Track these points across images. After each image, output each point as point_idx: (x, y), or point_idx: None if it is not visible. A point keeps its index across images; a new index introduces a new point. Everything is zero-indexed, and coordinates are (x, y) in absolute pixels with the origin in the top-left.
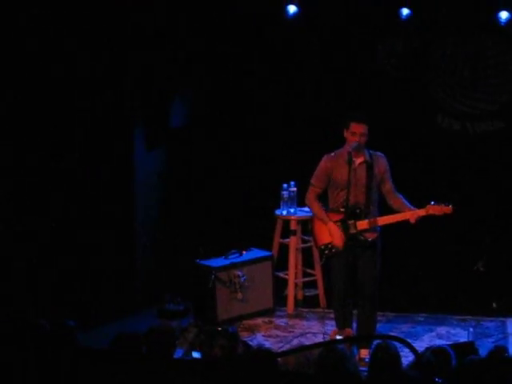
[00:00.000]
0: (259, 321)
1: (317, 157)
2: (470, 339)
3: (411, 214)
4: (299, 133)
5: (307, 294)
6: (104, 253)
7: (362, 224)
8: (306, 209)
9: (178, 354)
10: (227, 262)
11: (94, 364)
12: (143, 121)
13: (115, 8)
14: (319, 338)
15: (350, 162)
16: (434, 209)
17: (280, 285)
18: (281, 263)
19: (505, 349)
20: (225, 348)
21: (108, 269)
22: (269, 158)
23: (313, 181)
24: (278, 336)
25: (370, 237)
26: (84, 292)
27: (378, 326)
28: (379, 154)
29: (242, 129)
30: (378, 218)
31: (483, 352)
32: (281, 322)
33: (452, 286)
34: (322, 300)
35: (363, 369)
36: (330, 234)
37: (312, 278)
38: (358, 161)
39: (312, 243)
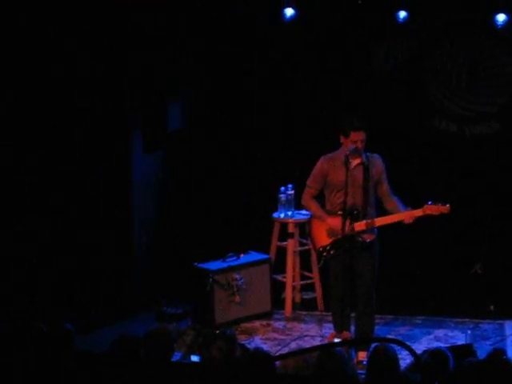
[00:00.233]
0: (257, 324)
1: (314, 159)
2: (468, 342)
3: (408, 214)
4: (297, 135)
5: (305, 296)
6: (102, 255)
7: (360, 225)
8: (304, 211)
9: (176, 357)
10: (225, 264)
11: (93, 367)
12: (141, 123)
13: (115, 8)
14: (317, 341)
15: (346, 164)
16: (431, 208)
17: (278, 288)
18: (278, 266)
19: (503, 351)
20: (223, 351)
21: (106, 271)
22: (266, 161)
23: (309, 182)
24: (275, 339)
25: (368, 238)
26: (82, 295)
27: (375, 328)
28: (376, 155)
29: (241, 131)
30: (375, 219)
31: (481, 354)
32: (279, 324)
33: (450, 288)
34: (320, 303)
35: (361, 372)
36: (330, 226)
37: (310, 281)
38: (355, 162)
39: (309, 246)
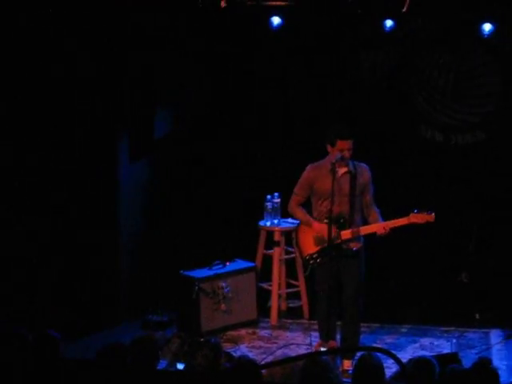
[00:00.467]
0: (243, 332)
1: (301, 168)
2: (454, 350)
3: (393, 223)
4: (283, 144)
5: (291, 305)
6: (87, 264)
7: (346, 234)
8: (290, 220)
9: (162, 365)
10: (211, 272)
11: (78, 375)
12: (128, 131)
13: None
14: (303, 350)
15: (333, 172)
16: (416, 217)
17: (264, 296)
18: (264, 274)
19: (489, 360)
20: (208, 359)
21: (91, 279)
22: (253, 169)
23: (296, 189)
24: (261, 347)
25: (354, 246)
26: (67, 303)
27: (361, 337)
28: (363, 165)
29: (228, 139)
30: (361, 228)
31: (467, 363)
32: (264, 333)
33: (435, 297)
34: (306, 311)
35: (346, 380)
36: (316, 231)
37: (296, 289)
38: (342, 171)
39: (296, 254)
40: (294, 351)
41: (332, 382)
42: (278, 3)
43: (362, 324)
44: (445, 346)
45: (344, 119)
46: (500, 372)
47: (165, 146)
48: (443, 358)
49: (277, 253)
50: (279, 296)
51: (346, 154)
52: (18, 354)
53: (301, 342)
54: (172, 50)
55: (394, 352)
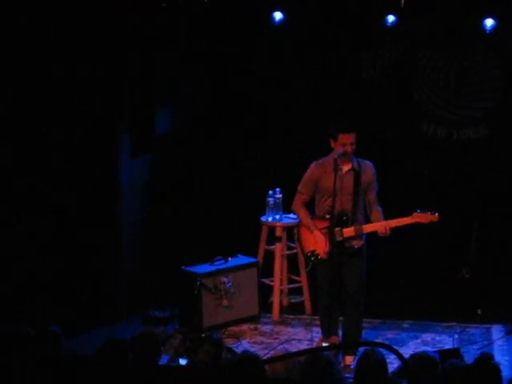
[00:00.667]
0: (244, 327)
1: (303, 163)
2: (455, 346)
3: (396, 222)
4: (285, 140)
5: (293, 300)
6: (89, 260)
7: (349, 231)
8: (292, 215)
9: (164, 360)
10: (213, 268)
11: (80, 371)
12: (128, 129)
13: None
14: (304, 345)
15: (335, 170)
16: (420, 217)
17: (265, 291)
18: (266, 270)
19: (491, 356)
20: (210, 354)
21: (93, 275)
22: (255, 165)
23: (300, 188)
24: (263, 343)
25: (356, 244)
26: (69, 299)
27: (363, 332)
28: (368, 162)
29: (230, 136)
30: (364, 226)
31: (468, 359)
32: (266, 328)
33: (437, 292)
34: (308, 307)
35: (349, 376)
36: (315, 241)
37: (297, 285)
38: (346, 168)
39: (297, 250)
40: (295, 347)
41: (334, 377)
42: None
43: (363, 319)
44: (447, 342)
45: (345, 113)
46: (502, 367)
47: (165, 143)
48: (445, 354)
49: (278, 248)
50: (281, 291)
51: (349, 148)
52: (21, 350)
53: (302, 337)
54: (172, 50)
55: (395, 347)
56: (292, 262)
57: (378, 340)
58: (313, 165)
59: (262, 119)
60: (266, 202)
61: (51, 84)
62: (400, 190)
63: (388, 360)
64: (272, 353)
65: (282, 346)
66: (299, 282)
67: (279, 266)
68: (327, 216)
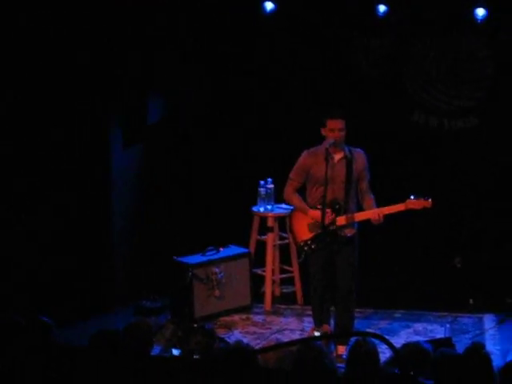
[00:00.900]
0: (236, 317)
1: (294, 154)
2: (447, 335)
3: (389, 209)
4: (276, 130)
5: (284, 290)
6: (81, 252)
7: (341, 220)
8: (284, 205)
9: (156, 350)
10: (204, 258)
11: (72, 361)
12: (120, 118)
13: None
14: (296, 335)
15: (327, 159)
16: (413, 203)
17: (257, 281)
18: (258, 260)
19: (482, 345)
20: (201, 345)
21: (85, 265)
22: (246, 155)
23: (291, 175)
24: (255, 333)
25: (349, 233)
26: (61, 289)
27: (355, 322)
28: (359, 150)
29: (221, 126)
30: (356, 214)
31: (460, 348)
32: (258, 318)
33: (429, 282)
34: (300, 297)
35: (340, 365)
36: (312, 217)
37: (289, 275)
38: (338, 157)
39: (289, 240)
40: (287, 337)
41: (326, 367)
42: None
43: (355, 309)
44: (438, 331)
45: (333, 100)
46: (493, 357)
47: (158, 133)
48: (437, 343)
49: (270, 238)
50: (273, 282)
51: (337, 134)
52: (10, 340)
53: (294, 327)
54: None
55: (387, 337)
56: (284, 252)
57: (369, 330)
58: (305, 153)
59: (259, 114)
60: (258, 193)
61: (49, 81)
62: (392, 178)
63: (380, 350)
64: (264, 343)
65: (273, 336)
66: (291, 271)
67: (271, 256)
68: (319, 206)
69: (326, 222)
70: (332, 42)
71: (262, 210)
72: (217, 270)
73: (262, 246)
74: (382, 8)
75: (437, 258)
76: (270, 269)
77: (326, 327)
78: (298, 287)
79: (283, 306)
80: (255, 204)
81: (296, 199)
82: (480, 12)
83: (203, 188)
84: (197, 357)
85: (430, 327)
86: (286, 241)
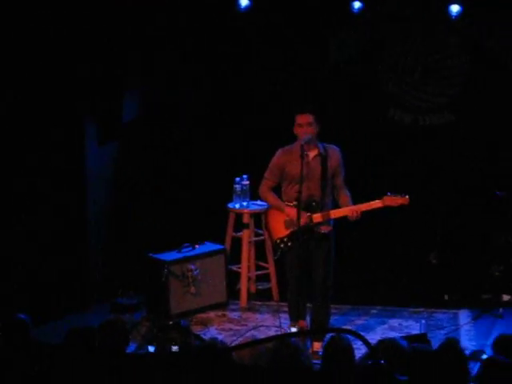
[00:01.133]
0: (212, 314)
1: (269, 150)
2: (423, 331)
3: (366, 206)
4: (251, 126)
5: (260, 287)
6: (56, 247)
7: (317, 217)
8: (259, 202)
9: (131, 348)
10: (180, 255)
11: (47, 358)
12: (96, 115)
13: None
14: (272, 331)
15: (302, 156)
16: (390, 200)
17: (233, 278)
18: (234, 257)
19: (456, 340)
20: (177, 342)
21: (60, 264)
22: (221, 152)
23: (266, 174)
24: (231, 329)
25: (325, 230)
26: (36, 287)
27: (331, 318)
28: (334, 147)
29: (196, 123)
30: (332, 211)
31: (436, 344)
32: (234, 315)
33: (405, 278)
34: (275, 293)
35: (316, 362)
36: (288, 215)
37: (265, 272)
38: (312, 154)
39: (265, 236)
40: (263, 333)
41: (302, 363)
42: None
43: (332, 306)
44: (414, 327)
45: (302, 95)
46: (468, 352)
47: (133, 130)
48: (412, 339)
49: (246, 235)
50: (248, 278)
51: (306, 129)
52: None
53: (270, 323)
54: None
55: (363, 333)
56: (259, 249)
57: (346, 326)
58: (279, 151)
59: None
60: (233, 189)
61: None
62: (367, 174)
63: (355, 346)
64: (240, 339)
65: (249, 333)
66: (267, 268)
67: (246, 252)
68: (294, 203)
69: (302, 223)
70: (307, 39)
71: (237, 206)
72: (192, 266)
73: (237, 243)
74: (357, 4)
75: (413, 255)
76: (246, 265)
77: (302, 323)
78: (273, 284)
79: (259, 303)
80: (231, 201)
81: (271, 197)
82: (454, 8)
83: (179, 185)
84: (172, 353)
85: (405, 323)
86: (262, 237)
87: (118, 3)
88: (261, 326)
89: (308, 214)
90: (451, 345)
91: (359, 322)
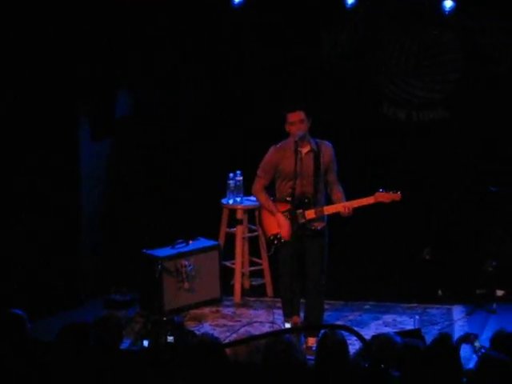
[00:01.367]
0: (206, 310)
1: (262, 146)
2: (416, 327)
3: (358, 202)
4: (245, 122)
5: (254, 283)
6: (50, 244)
7: (311, 213)
8: (253, 198)
9: (125, 344)
10: (174, 251)
11: (41, 355)
12: (89, 111)
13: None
14: (266, 327)
15: (296, 152)
16: (382, 196)
17: (227, 274)
18: (227, 252)
19: (449, 336)
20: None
21: (54, 260)
22: (215, 148)
23: (259, 172)
24: (225, 325)
25: (318, 226)
26: (30, 283)
27: (325, 314)
28: (326, 142)
29: (194, 122)
30: (325, 207)
31: (429, 339)
32: (228, 311)
33: (398, 273)
34: (269, 289)
35: (310, 357)
36: (278, 225)
37: (259, 267)
38: (305, 150)
39: (258, 232)
40: (257, 329)
41: (296, 359)
42: None
43: (325, 301)
44: (408, 323)
45: (292, 93)
46: (462, 348)
47: (127, 126)
48: (406, 335)
49: (239, 231)
50: (242, 274)
51: (298, 126)
52: None
53: (264, 319)
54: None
55: (357, 329)
56: (253, 245)
57: (339, 322)
58: (272, 149)
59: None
60: (227, 185)
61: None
62: (360, 170)
63: (349, 341)
64: (234, 335)
65: (243, 329)
66: (260, 264)
67: (240, 248)
68: (288, 199)
69: (292, 231)
70: (300, 35)
71: (231, 202)
72: (186, 262)
73: (231, 239)
74: (350, 0)
75: (406, 250)
76: (240, 261)
77: (296, 319)
78: (267, 279)
79: (253, 299)
80: (224, 196)
81: (264, 198)
82: (448, 4)
83: (172, 181)
84: (165, 349)
85: (399, 319)
86: (256, 233)
87: (118, 3)
88: (255, 322)
89: (300, 211)
90: (443, 340)
91: (353, 317)
